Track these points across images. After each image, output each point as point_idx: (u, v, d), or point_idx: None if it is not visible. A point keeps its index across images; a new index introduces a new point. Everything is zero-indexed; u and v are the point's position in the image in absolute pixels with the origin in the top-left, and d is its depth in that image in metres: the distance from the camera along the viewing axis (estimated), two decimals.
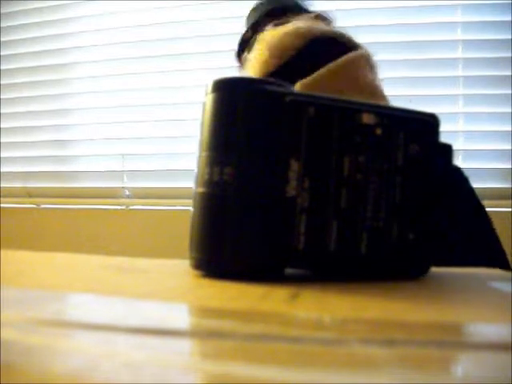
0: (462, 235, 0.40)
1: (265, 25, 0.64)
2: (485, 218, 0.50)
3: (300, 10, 0.65)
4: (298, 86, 0.53)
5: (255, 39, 0.64)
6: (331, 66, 0.56)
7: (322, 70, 0.55)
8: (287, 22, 0.62)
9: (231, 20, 1.20)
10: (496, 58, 1.05)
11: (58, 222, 1.25)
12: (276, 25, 0.62)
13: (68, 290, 0.25)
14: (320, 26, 0.60)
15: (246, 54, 0.65)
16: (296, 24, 0.61)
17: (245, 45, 0.67)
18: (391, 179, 0.29)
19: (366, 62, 0.58)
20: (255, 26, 0.66)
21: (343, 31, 0.60)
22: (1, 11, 1.36)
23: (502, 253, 0.49)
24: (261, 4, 0.69)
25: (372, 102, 0.31)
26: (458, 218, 0.37)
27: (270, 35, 0.61)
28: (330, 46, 0.58)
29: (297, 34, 0.59)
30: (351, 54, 0.57)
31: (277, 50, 0.59)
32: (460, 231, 0.39)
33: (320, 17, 0.64)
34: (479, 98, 1.07)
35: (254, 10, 0.70)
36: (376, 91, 0.58)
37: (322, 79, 0.55)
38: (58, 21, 1.34)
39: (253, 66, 0.61)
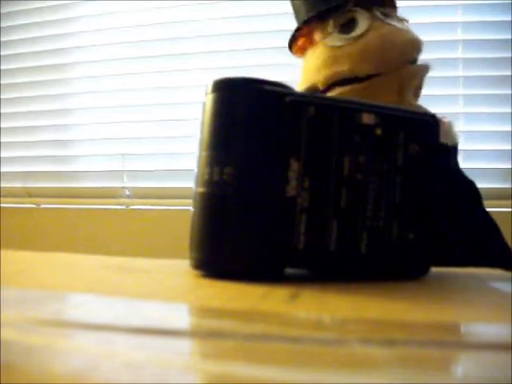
0: (463, 235, 0.40)
1: (369, 6, 0.61)
2: (487, 217, 0.50)
3: (395, 7, 0.64)
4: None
5: (355, 15, 0.61)
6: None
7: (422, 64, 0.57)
8: (391, 16, 0.61)
9: (231, 20, 1.20)
10: (496, 58, 1.05)
11: (58, 222, 1.25)
12: (385, 16, 0.61)
13: (68, 289, 0.25)
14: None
15: (333, 23, 0.61)
16: (410, 32, 0.61)
17: (333, 13, 0.62)
18: (391, 179, 0.29)
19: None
20: (357, 2, 0.62)
21: None
22: (1, 11, 1.36)
23: (507, 251, 0.48)
24: None
25: (373, 102, 0.31)
26: (458, 218, 0.37)
27: (389, 36, 0.59)
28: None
29: (417, 46, 0.59)
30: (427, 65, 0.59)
31: (396, 57, 0.58)
32: (460, 231, 0.39)
33: (406, 21, 0.64)
34: (479, 98, 1.07)
35: None
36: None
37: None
38: (58, 21, 1.34)
39: (362, 58, 0.59)
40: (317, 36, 0.65)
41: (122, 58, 1.27)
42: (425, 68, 0.60)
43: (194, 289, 0.27)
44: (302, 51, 0.63)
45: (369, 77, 0.57)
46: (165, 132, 1.22)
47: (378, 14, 0.63)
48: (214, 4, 1.22)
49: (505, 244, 0.48)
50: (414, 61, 0.60)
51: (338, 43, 0.62)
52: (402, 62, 0.60)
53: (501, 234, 0.49)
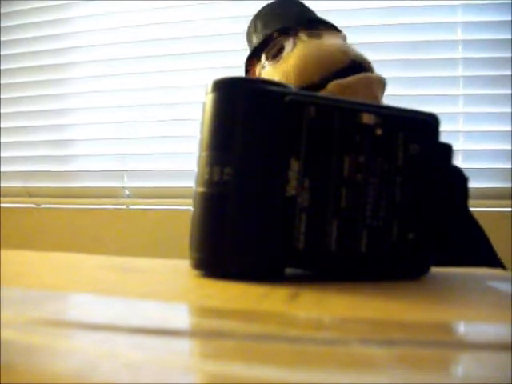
0: (462, 235, 0.40)
1: (297, 31, 0.66)
2: (473, 221, 0.50)
3: (330, 26, 0.68)
4: (333, 85, 0.57)
5: (283, 43, 0.65)
6: (360, 76, 0.60)
7: (353, 78, 0.59)
8: (320, 35, 0.65)
9: (231, 20, 1.20)
10: (496, 58, 1.05)
11: (58, 222, 1.25)
12: (310, 36, 0.65)
13: (68, 289, 0.25)
14: (356, 51, 0.65)
15: (266, 56, 0.67)
16: (338, 42, 0.64)
17: (264, 47, 0.68)
18: (391, 179, 0.29)
19: (381, 85, 0.63)
20: (284, 31, 0.67)
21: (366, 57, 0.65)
22: (1, 11, 1.36)
23: (493, 254, 0.49)
24: (288, 10, 0.71)
25: (372, 102, 0.31)
26: (457, 218, 0.37)
27: (315, 47, 0.64)
28: (358, 68, 0.63)
29: (344, 52, 0.63)
30: (373, 74, 0.62)
31: (326, 63, 0.62)
32: (460, 231, 0.39)
33: (344, 37, 0.68)
34: (479, 98, 1.07)
35: (277, 14, 0.71)
36: None
37: (352, 85, 0.59)
38: (59, 20, 1.34)
39: (291, 72, 0.63)
40: (257, 70, 0.70)
41: (121, 58, 1.28)
42: (359, 80, 0.62)
43: (194, 289, 0.27)
44: None
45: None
46: (165, 132, 1.22)
47: (303, 36, 0.66)
48: (214, 4, 1.22)
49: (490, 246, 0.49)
50: (350, 69, 0.62)
51: (265, 70, 0.67)
52: (324, 71, 0.62)
53: (485, 236, 0.49)
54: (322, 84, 0.60)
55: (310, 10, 0.73)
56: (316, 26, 0.68)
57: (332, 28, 0.69)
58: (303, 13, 0.71)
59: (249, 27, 0.74)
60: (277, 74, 0.64)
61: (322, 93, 0.60)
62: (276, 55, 0.67)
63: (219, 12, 1.21)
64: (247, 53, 0.72)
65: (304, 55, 0.63)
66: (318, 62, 0.62)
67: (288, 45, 0.66)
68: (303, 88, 0.61)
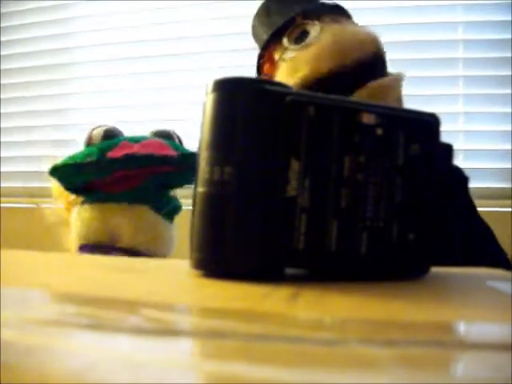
0: (463, 235, 0.40)
1: (320, 16, 0.64)
2: (479, 219, 0.50)
3: (344, 13, 0.68)
4: (368, 88, 0.57)
5: (306, 27, 0.64)
6: (393, 77, 0.61)
7: (387, 79, 0.60)
8: (341, 21, 0.64)
9: (231, 20, 1.20)
10: (496, 58, 1.05)
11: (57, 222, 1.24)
12: (336, 21, 0.64)
13: (68, 290, 0.25)
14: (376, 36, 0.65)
15: (288, 39, 0.65)
16: (367, 29, 0.64)
17: (284, 30, 0.66)
18: (391, 179, 0.29)
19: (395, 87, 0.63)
20: (306, 14, 0.65)
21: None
22: (1, 11, 1.36)
23: (502, 253, 0.49)
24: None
25: (372, 102, 0.31)
26: (457, 217, 0.37)
27: (341, 31, 0.63)
28: (382, 57, 0.63)
29: (371, 37, 0.63)
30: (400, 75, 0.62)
31: (353, 48, 0.61)
32: (460, 231, 0.39)
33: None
34: (479, 97, 1.07)
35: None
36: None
37: (386, 87, 0.60)
38: (59, 20, 1.34)
39: (325, 54, 0.61)
40: (276, 55, 0.68)
41: (121, 58, 1.28)
42: (393, 80, 0.62)
43: (194, 289, 0.27)
44: (269, 76, 0.66)
45: (333, 74, 0.60)
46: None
47: (327, 19, 0.65)
48: (214, 4, 1.22)
49: (498, 244, 0.49)
50: (376, 55, 0.62)
51: (294, 54, 0.65)
52: (361, 52, 0.61)
53: (493, 235, 0.49)
54: (353, 68, 0.59)
55: None
56: (337, 12, 0.67)
57: (346, 15, 0.69)
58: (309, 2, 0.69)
59: (258, 14, 0.72)
60: (308, 57, 0.63)
61: (360, 92, 0.58)
62: (299, 39, 0.65)
63: (219, 12, 1.21)
64: (263, 37, 0.69)
65: (340, 35, 0.62)
66: (353, 42, 0.62)
67: (313, 29, 0.64)
68: (337, 72, 0.60)
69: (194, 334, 0.18)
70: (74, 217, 0.79)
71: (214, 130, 0.29)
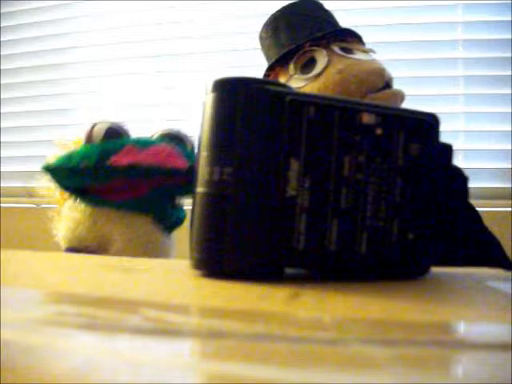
0: (462, 235, 0.40)
1: (328, 43, 0.65)
2: (477, 218, 0.50)
3: (356, 37, 0.68)
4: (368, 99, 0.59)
5: (314, 54, 0.64)
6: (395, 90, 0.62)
7: (383, 94, 0.61)
8: (351, 49, 0.64)
9: (231, 20, 1.20)
10: (496, 58, 1.05)
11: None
12: (342, 48, 0.64)
13: (68, 289, 0.25)
14: (384, 67, 0.65)
15: (294, 66, 0.65)
16: (373, 62, 0.64)
17: (291, 55, 0.66)
18: (391, 179, 0.29)
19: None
20: (314, 41, 0.65)
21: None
22: (0, 11, 1.36)
23: (502, 252, 0.48)
24: (313, 14, 0.68)
25: (372, 102, 0.31)
26: (457, 217, 0.37)
27: (348, 68, 0.63)
28: (388, 87, 0.64)
29: (381, 74, 0.63)
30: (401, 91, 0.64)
31: (366, 84, 0.62)
32: (460, 231, 0.39)
33: (371, 51, 0.67)
34: (480, 97, 1.07)
35: (303, 19, 0.68)
36: None
37: (383, 100, 0.61)
38: (59, 20, 1.34)
39: (330, 90, 0.62)
40: (282, 79, 0.67)
41: (121, 57, 1.27)
42: (389, 96, 0.63)
43: (194, 289, 0.27)
44: None
45: None
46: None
47: (336, 49, 0.65)
48: (214, 4, 1.22)
49: (498, 244, 0.48)
50: (383, 88, 0.63)
51: (300, 84, 0.65)
52: (364, 91, 0.62)
53: (491, 234, 0.49)
54: None
55: (331, 14, 0.71)
56: (345, 36, 0.67)
57: (358, 39, 0.69)
58: (329, 19, 0.69)
59: (267, 26, 0.71)
60: (315, 89, 0.63)
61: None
62: (307, 67, 0.65)
63: (219, 12, 1.21)
64: (270, 59, 0.69)
65: (346, 74, 0.62)
66: (358, 82, 0.62)
67: (321, 58, 0.64)
68: None
69: (194, 333, 0.18)
70: (65, 213, 0.72)
71: (213, 130, 0.29)
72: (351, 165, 0.29)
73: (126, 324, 0.18)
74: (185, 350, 0.16)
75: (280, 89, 0.29)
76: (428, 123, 0.31)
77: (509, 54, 1.04)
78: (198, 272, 0.29)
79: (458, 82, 1.08)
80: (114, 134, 0.71)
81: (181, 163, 0.68)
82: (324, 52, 0.64)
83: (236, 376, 0.13)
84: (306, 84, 0.63)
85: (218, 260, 0.28)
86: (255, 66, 1.14)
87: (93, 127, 0.71)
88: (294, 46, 0.65)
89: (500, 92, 1.04)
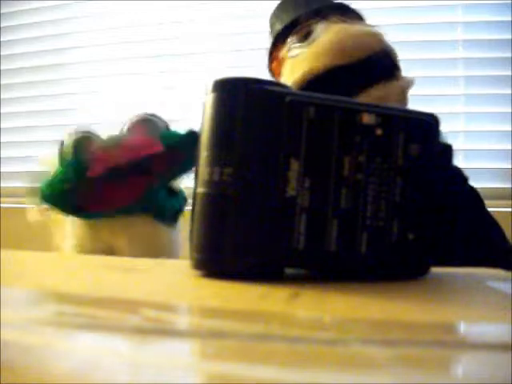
0: (462, 235, 0.40)
1: (327, 15, 0.64)
2: (487, 216, 0.50)
3: (356, 14, 0.67)
4: (372, 96, 0.56)
5: (312, 26, 0.63)
6: (403, 82, 0.60)
7: (395, 84, 0.59)
8: (352, 20, 0.63)
9: (231, 20, 1.20)
10: (497, 58, 1.05)
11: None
12: (343, 20, 0.63)
13: (68, 289, 0.25)
14: (384, 36, 0.63)
15: (293, 38, 0.64)
16: (369, 27, 0.63)
17: (291, 30, 0.65)
18: (391, 179, 0.29)
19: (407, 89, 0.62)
20: (313, 14, 0.65)
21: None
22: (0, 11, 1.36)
23: (508, 251, 0.48)
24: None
25: (373, 102, 0.31)
26: (457, 217, 0.37)
27: (344, 30, 0.62)
28: (389, 58, 0.62)
29: (375, 37, 0.61)
30: (406, 78, 0.61)
31: (354, 47, 0.60)
32: (460, 231, 0.39)
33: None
34: (480, 97, 1.07)
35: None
36: None
37: (391, 93, 0.59)
38: (59, 20, 1.34)
39: (327, 49, 0.60)
40: (283, 53, 0.68)
41: (121, 57, 1.27)
42: (403, 85, 0.62)
43: (194, 289, 0.27)
44: (277, 74, 0.66)
45: (329, 72, 0.59)
46: None
47: (334, 19, 0.65)
48: (214, 4, 1.22)
49: (506, 244, 0.48)
50: (379, 55, 0.61)
51: (297, 52, 0.65)
52: (362, 50, 0.61)
53: (502, 233, 0.49)
54: (354, 67, 0.59)
55: None
56: (345, 12, 0.66)
57: (358, 17, 0.68)
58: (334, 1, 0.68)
59: (274, 11, 0.71)
60: (306, 55, 0.62)
61: (372, 92, 0.58)
62: (304, 37, 0.64)
63: (219, 12, 1.21)
64: (270, 37, 0.69)
65: (342, 34, 0.61)
66: (355, 41, 0.61)
67: (318, 28, 0.63)
68: (339, 66, 0.59)
69: (194, 334, 0.18)
70: (69, 229, 0.72)
71: (213, 130, 0.29)
72: (351, 165, 0.29)
73: (126, 324, 0.18)
74: (185, 349, 0.16)
75: (280, 89, 0.29)
76: (428, 123, 0.31)
77: (509, 54, 1.04)
78: (198, 272, 0.29)
79: (458, 82, 1.08)
80: (84, 146, 0.68)
81: (156, 148, 0.66)
82: (323, 23, 0.64)
83: (236, 376, 0.13)
84: (303, 51, 0.63)
85: (218, 260, 0.28)
86: (255, 66, 1.14)
87: (61, 144, 0.70)
88: (291, 20, 0.66)
89: (500, 92, 1.04)
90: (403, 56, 1.09)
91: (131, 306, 0.21)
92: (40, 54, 1.34)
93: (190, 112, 1.14)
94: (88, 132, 0.71)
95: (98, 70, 1.30)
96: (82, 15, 1.32)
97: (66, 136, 0.69)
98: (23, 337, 0.16)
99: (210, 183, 0.28)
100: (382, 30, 0.64)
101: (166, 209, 0.70)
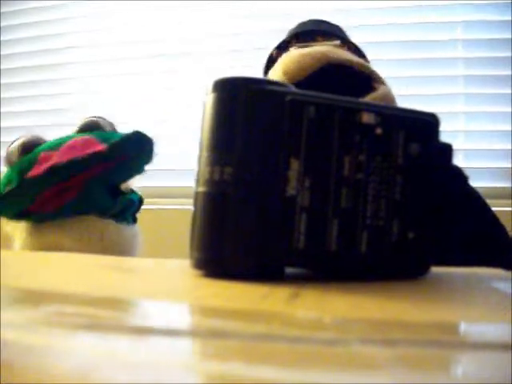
0: (463, 235, 0.40)
1: (291, 46, 0.66)
2: (489, 215, 0.50)
3: (331, 36, 0.67)
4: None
5: (278, 58, 0.66)
6: (372, 95, 0.59)
7: (377, 94, 0.59)
8: (311, 45, 0.64)
9: (231, 20, 1.20)
10: (497, 58, 1.05)
11: None
12: (300, 47, 0.65)
13: (68, 290, 0.25)
14: (341, 53, 0.62)
15: (269, 72, 0.67)
16: (315, 47, 0.63)
17: (270, 63, 0.69)
18: (391, 178, 0.29)
19: (393, 100, 0.60)
20: (283, 46, 0.68)
21: (368, 64, 0.62)
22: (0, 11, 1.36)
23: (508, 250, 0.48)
24: (296, 25, 0.70)
25: (373, 102, 0.31)
26: (457, 217, 0.37)
27: (289, 55, 0.63)
28: (344, 75, 0.60)
29: (312, 56, 0.61)
30: (386, 88, 0.60)
31: (290, 70, 0.61)
32: (460, 231, 0.39)
33: (349, 46, 0.66)
34: (480, 97, 1.07)
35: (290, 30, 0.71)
36: None
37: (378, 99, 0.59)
38: (59, 20, 1.34)
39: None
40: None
41: (120, 57, 1.28)
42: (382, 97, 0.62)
43: (194, 289, 0.27)
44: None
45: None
46: (165, 132, 1.22)
47: (292, 49, 0.66)
48: (214, 4, 1.22)
49: (507, 243, 0.48)
50: (324, 72, 0.61)
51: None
52: (299, 77, 0.61)
53: (505, 233, 0.49)
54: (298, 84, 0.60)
55: (332, 24, 0.71)
56: (313, 37, 0.67)
57: (331, 36, 0.68)
58: (312, 25, 0.70)
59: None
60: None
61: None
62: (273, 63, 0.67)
63: (219, 12, 1.21)
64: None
65: (284, 63, 0.63)
66: (284, 72, 0.62)
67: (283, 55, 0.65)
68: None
69: (194, 333, 0.18)
70: (16, 235, 0.69)
71: (213, 130, 0.29)
72: (351, 164, 0.29)
73: (126, 324, 0.18)
74: (185, 349, 0.16)
75: (280, 88, 0.29)
76: (428, 123, 0.31)
77: (509, 54, 1.04)
78: (197, 272, 0.29)
79: (458, 82, 1.08)
80: (30, 149, 0.67)
81: (100, 147, 0.64)
82: (287, 51, 0.65)
83: (236, 376, 0.13)
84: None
85: (219, 260, 0.28)
86: (255, 66, 1.14)
87: (8, 149, 0.68)
88: (267, 57, 0.69)
89: (500, 92, 1.04)
90: (403, 56, 1.10)
91: (131, 306, 0.21)
92: (40, 53, 1.34)
93: (191, 112, 1.14)
94: (35, 136, 0.70)
95: (97, 69, 1.30)
96: (82, 15, 1.32)
97: (9, 146, 0.68)
98: (23, 337, 0.16)
99: (211, 183, 0.28)
100: (332, 47, 0.64)
101: (109, 206, 0.68)
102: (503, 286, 0.31)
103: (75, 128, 0.73)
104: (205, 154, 0.29)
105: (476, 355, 0.16)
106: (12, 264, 0.34)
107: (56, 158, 0.63)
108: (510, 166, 1.03)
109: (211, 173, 0.28)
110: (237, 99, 0.28)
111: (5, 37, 1.38)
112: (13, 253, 0.39)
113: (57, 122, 1.32)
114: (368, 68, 0.60)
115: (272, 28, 1.15)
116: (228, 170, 0.28)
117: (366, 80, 0.59)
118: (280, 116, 0.28)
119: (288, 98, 0.28)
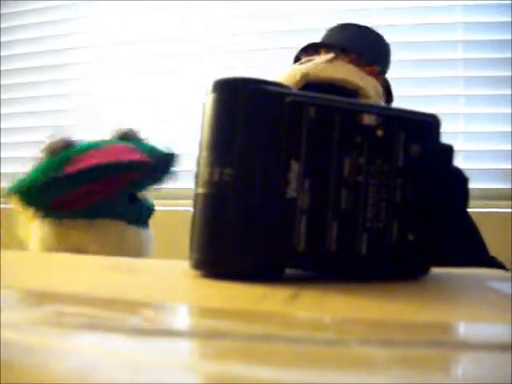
0: (462, 235, 0.40)
1: (297, 61, 0.69)
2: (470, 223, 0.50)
3: (332, 48, 0.68)
4: None
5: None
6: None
7: None
8: (312, 59, 0.66)
9: (231, 20, 1.20)
10: (497, 59, 1.05)
11: None
12: (305, 61, 0.67)
13: (68, 290, 0.25)
14: (323, 71, 0.63)
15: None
16: (300, 66, 0.65)
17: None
18: (391, 180, 0.29)
19: None
20: (296, 59, 0.71)
21: (365, 77, 0.62)
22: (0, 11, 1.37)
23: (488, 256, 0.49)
24: (324, 33, 0.74)
25: (373, 103, 0.31)
26: (457, 218, 0.37)
27: (282, 74, 0.66)
28: (328, 92, 0.61)
29: (293, 75, 0.63)
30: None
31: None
32: (460, 231, 0.39)
33: (351, 56, 0.65)
34: (480, 98, 1.07)
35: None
36: None
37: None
38: (59, 21, 1.34)
39: None
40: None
41: (121, 58, 1.28)
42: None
43: (194, 289, 0.27)
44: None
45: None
46: (164, 132, 1.22)
47: (303, 60, 0.68)
48: (214, 4, 1.22)
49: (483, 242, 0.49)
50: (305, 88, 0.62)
51: None
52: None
53: (479, 231, 0.49)
54: None
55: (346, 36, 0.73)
56: (317, 49, 0.69)
57: (332, 48, 0.69)
58: (330, 32, 0.72)
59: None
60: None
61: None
62: None
63: (219, 12, 1.21)
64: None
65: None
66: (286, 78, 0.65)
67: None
68: None
69: (193, 334, 0.18)
70: (34, 230, 0.71)
71: (213, 130, 0.29)
72: (351, 166, 0.29)
73: (126, 324, 0.18)
74: (185, 350, 0.16)
75: (280, 89, 0.29)
76: (428, 124, 0.31)
77: (509, 55, 1.04)
78: (197, 272, 0.29)
79: (458, 83, 1.08)
80: (69, 145, 0.70)
81: (137, 157, 0.67)
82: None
83: (236, 376, 0.13)
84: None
85: (218, 260, 0.28)
86: (255, 66, 1.14)
87: (50, 141, 0.70)
88: (296, 55, 0.71)
89: (500, 93, 1.04)
90: (403, 56, 1.10)
91: (131, 306, 0.21)
92: (40, 54, 1.34)
93: (190, 112, 1.14)
94: (65, 135, 0.72)
95: (98, 70, 1.30)
96: (82, 15, 1.32)
97: (45, 139, 0.70)
98: (23, 337, 0.16)
99: (210, 183, 0.28)
100: (318, 66, 0.64)
101: (131, 210, 0.71)
102: (503, 286, 0.31)
103: (109, 134, 0.75)
104: (204, 154, 0.29)
105: (476, 355, 0.16)
106: (12, 264, 0.34)
107: (97, 158, 0.65)
108: (509, 167, 1.03)
109: (211, 174, 0.28)
110: (236, 99, 0.28)
111: (5, 38, 1.38)
112: (13, 253, 0.39)
113: (57, 122, 1.32)
114: (355, 83, 0.60)
115: (272, 28, 1.15)
116: (228, 171, 0.28)
117: (351, 95, 0.59)
118: (280, 117, 0.28)
119: (288, 98, 0.28)
